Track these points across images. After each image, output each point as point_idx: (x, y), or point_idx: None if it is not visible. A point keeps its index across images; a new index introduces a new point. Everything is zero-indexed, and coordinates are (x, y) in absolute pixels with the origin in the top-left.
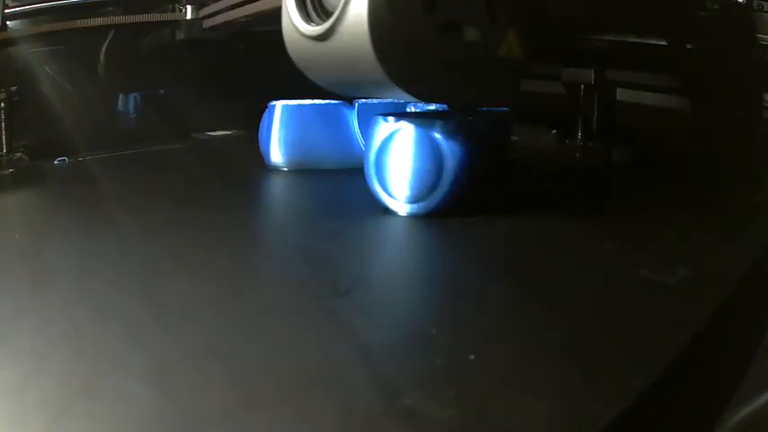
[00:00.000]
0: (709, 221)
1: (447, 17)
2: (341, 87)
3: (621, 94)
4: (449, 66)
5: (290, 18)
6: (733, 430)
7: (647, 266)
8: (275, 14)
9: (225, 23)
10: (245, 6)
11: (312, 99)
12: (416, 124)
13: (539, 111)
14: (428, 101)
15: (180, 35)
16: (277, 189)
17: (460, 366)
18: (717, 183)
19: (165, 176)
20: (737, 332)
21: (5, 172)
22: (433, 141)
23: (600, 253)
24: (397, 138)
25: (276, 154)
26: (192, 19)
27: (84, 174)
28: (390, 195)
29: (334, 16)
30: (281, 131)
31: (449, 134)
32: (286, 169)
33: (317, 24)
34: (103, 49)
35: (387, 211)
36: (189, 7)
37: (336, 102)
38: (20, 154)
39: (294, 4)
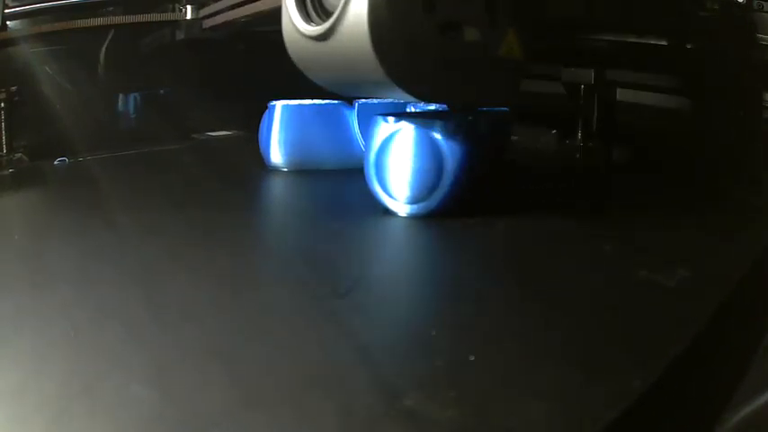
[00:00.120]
0: (709, 221)
1: (447, 17)
2: (341, 87)
3: (621, 94)
4: (449, 65)
5: (290, 18)
6: (733, 430)
7: (647, 267)
8: (275, 14)
9: (225, 23)
10: (245, 6)
11: (312, 99)
12: (416, 125)
13: (539, 111)
14: (428, 101)
15: (180, 35)
16: (277, 189)
17: (460, 367)
18: (717, 183)
19: (164, 177)
20: (737, 332)
21: (5, 172)
22: (433, 142)
23: (600, 253)
24: (397, 138)
25: (276, 154)
26: (192, 19)
27: (84, 174)
28: (390, 196)
29: (334, 16)
30: (281, 132)
31: (449, 135)
32: (286, 170)
33: (317, 24)
34: (103, 49)
35: (387, 212)
36: (189, 7)
37: (336, 102)
38: (20, 154)
39: (294, 4)
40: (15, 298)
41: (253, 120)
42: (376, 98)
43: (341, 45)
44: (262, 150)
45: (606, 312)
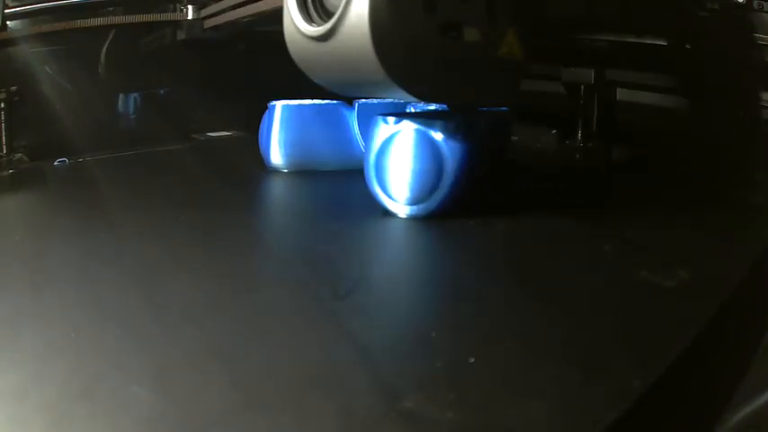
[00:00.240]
0: (709, 221)
1: (447, 17)
2: (342, 88)
3: (621, 94)
4: (449, 66)
5: (291, 18)
6: (733, 430)
7: (647, 267)
8: (276, 14)
9: (226, 23)
10: (247, 6)
11: (312, 99)
12: (416, 125)
13: (539, 111)
14: (428, 101)
15: (181, 35)
16: (277, 190)
17: (461, 368)
18: (716, 183)
19: (165, 178)
20: (737, 332)
21: (5, 173)
22: (433, 143)
23: (600, 253)
24: (396, 139)
25: (276, 155)
26: (193, 19)
27: (84, 175)
28: (390, 197)
29: (336, 17)
30: (281, 132)
31: (449, 135)
32: (286, 171)
33: (319, 25)
34: (104, 49)
35: (386, 213)
36: (190, 7)
37: (336, 102)
38: (20, 155)
39: (295, 4)
40: (15, 299)
41: (253, 120)
42: (377, 98)
43: (342, 45)
44: (262, 151)
45: (606, 312)
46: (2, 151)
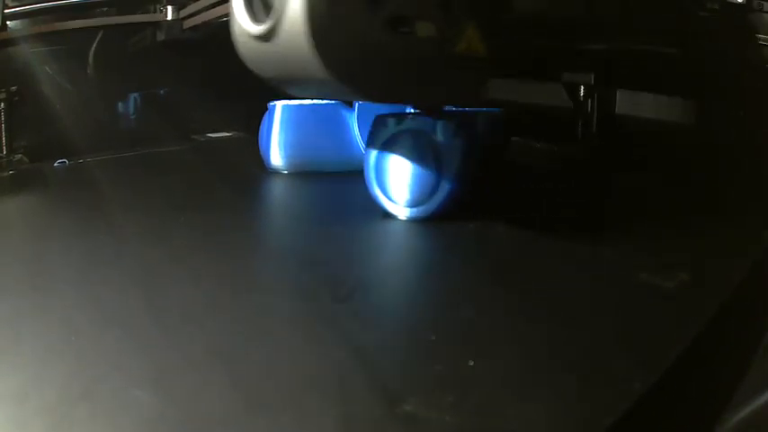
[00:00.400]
0: (709, 222)
1: (396, 11)
2: (293, 89)
3: (621, 95)
4: (400, 64)
5: (236, 16)
6: (733, 430)
7: (647, 268)
8: None
9: (227, 24)
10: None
11: (312, 99)
12: (416, 127)
13: (538, 111)
14: (380, 101)
15: (181, 35)
16: (277, 192)
17: (460, 372)
18: (717, 183)
19: (164, 179)
20: (737, 332)
21: (5, 174)
22: (433, 145)
23: (600, 254)
24: (396, 141)
25: (276, 156)
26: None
27: (84, 176)
28: (390, 199)
29: (275, 15)
30: (281, 132)
31: (449, 137)
32: (286, 172)
33: (262, 23)
34: (104, 49)
35: (386, 215)
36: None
37: (336, 103)
38: (20, 156)
39: (241, 1)
40: (15, 301)
41: (253, 121)
42: (332, 99)
43: (283, 45)
44: (262, 152)
45: (606, 313)
46: (2, 152)
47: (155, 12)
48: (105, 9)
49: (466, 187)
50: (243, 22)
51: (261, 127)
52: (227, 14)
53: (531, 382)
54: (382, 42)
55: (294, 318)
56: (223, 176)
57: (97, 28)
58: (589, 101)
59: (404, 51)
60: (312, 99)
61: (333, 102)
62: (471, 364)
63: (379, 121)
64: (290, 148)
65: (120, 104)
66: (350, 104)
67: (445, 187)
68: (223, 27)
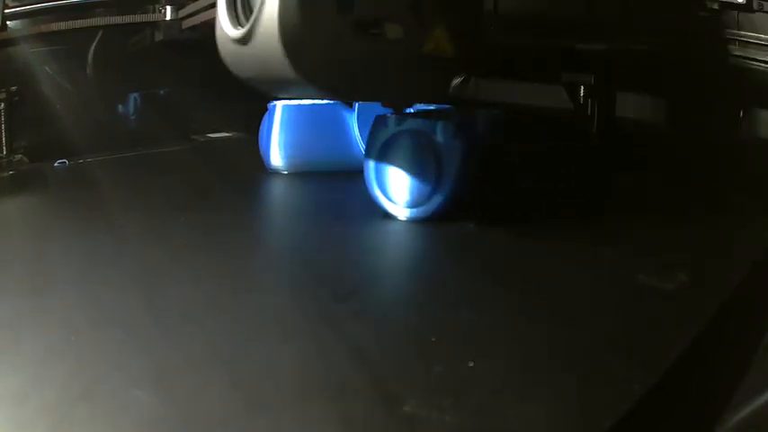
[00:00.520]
0: (708, 222)
1: (364, 15)
2: (270, 90)
3: (621, 95)
4: (368, 65)
5: (219, 20)
6: (733, 430)
7: (647, 268)
8: None
9: None
10: None
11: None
12: (416, 128)
13: (538, 111)
14: (351, 100)
15: (182, 36)
16: (277, 192)
17: (460, 372)
18: (717, 183)
19: (165, 179)
20: (737, 332)
21: (5, 174)
22: (432, 146)
23: (600, 254)
24: (396, 141)
25: (276, 157)
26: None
27: (84, 176)
28: (390, 200)
29: (251, 20)
30: (281, 133)
31: (449, 138)
32: (286, 172)
33: (243, 27)
34: (104, 49)
35: (386, 216)
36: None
37: (336, 103)
38: (20, 156)
39: (225, 6)
40: (15, 301)
41: (253, 121)
42: (306, 99)
43: (259, 48)
44: (262, 152)
45: (606, 313)
46: (2, 152)
47: (154, 12)
48: (105, 9)
49: (466, 187)
50: (225, 26)
51: (261, 127)
52: None
53: (531, 382)
54: (352, 44)
55: (294, 318)
56: (223, 176)
57: (97, 28)
58: (589, 101)
59: (373, 52)
60: (312, 100)
61: (333, 102)
62: (471, 364)
63: (379, 122)
64: (290, 149)
65: (120, 105)
66: (350, 105)
67: (445, 188)
68: None
